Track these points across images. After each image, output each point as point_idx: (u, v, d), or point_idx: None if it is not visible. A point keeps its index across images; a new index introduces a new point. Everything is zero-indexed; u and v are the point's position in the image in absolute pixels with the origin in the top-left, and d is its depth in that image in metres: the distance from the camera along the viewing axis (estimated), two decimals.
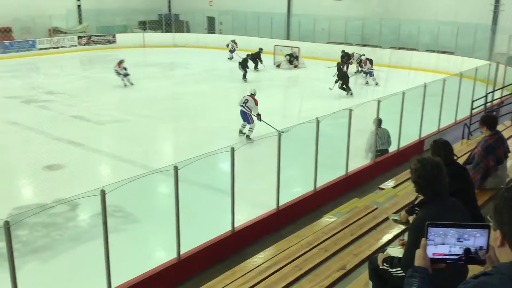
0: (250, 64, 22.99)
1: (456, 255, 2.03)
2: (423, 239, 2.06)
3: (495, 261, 1.99)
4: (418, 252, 2.09)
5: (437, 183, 3.25)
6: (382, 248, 4.72)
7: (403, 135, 10.82)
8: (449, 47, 24.80)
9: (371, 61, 21.52)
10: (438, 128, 12.06)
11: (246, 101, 13.10)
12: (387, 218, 6.18)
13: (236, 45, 27.34)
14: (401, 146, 10.86)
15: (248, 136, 12.99)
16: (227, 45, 27.69)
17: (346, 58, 23.10)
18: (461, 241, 2.01)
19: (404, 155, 10.61)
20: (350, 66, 22.64)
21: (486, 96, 12.98)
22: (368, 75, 21.15)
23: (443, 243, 2.04)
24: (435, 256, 2.06)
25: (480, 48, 23.37)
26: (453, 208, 3.31)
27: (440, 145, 4.73)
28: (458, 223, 2.06)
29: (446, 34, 24.82)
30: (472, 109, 12.19)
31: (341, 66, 19.91)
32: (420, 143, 11.41)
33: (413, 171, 3.37)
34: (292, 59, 25.45)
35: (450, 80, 12.50)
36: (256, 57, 24.27)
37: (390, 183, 8.43)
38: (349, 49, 24.82)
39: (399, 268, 3.47)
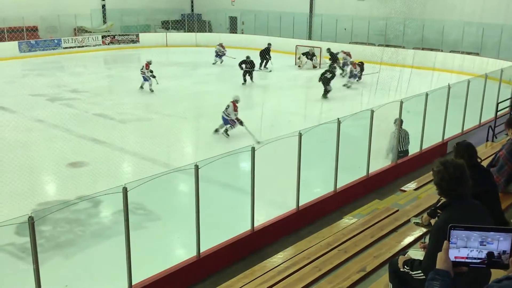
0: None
1: (479, 258, 2.01)
2: (446, 242, 2.04)
3: None
4: (440, 255, 2.07)
5: (460, 185, 3.20)
6: (403, 251, 4.67)
7: (426, 137, 10.69)
8: (474, 48, 24.39)
9: (361, 65, 21.10)
10: (462, 130, 11.88)
11: (227, 107, 13.75)
12: (408, 221, 6.11)
13: (224, 49, 26.14)
14: (423, 148, 10.73)
15: (226, 131, 13.82)
16: (216, 53, 26.14)
17: (331, 58, 23.22)
18: (484, 245, 1.99)
19: (427, 157, 10.47)
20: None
21: (511, 98, 12.73)
22: (353, 78, 20.70)
23: (466, 247, 2.01)
24: (457, 260, 2.04)
25: (506, 49, 22.91)
26: (476, 211, 3.26)
27: (463, 148, 4.65)
28: (481, 226, 2.03)
29: (471, 35, 24.42)
30: (497, 111, 11.96)
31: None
32: (443, 145, 11.25)
33: (435, 173, 3.32)
34: (309, 56, 25.30)
35: (475, 82, 12.30)
36: (265, 53, 24.33)
37: (412, 185, 8.34)
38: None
39: (420, 271, 3.43)
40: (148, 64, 19.33)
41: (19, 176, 10.17)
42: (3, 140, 12.77)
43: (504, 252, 1.98)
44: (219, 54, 25.98)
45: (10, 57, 26.03)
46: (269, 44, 24.76)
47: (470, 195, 3.28)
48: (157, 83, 19.46)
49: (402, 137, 10.24)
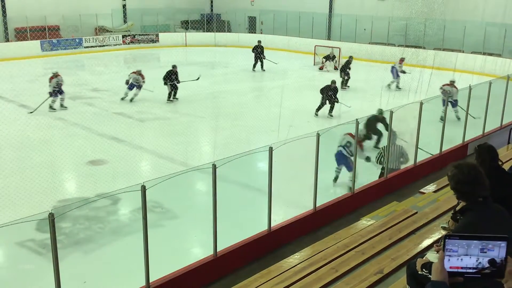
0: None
1: (475, 268, 1.97)
2: (441, 252, 2.01)
3: None
4: (436, 266, 2.02)
5: (477, 186, 3.14)
6: (421, 253, 4.62)
7: (446, 139, 10.56)
8: (496, 49, 24.01)
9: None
10: (483, 132, 11.71)
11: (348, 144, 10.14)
12: (427, 223, 6.06)
13: (143, 78, 18.07)
14: (443, 150, 10.60)
15: None
16: (126, 81, 17.88)
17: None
18: (485, 252, 1.95)
19: (447, 159, 10.35)
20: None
21: None
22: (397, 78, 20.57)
23: (467, 254, 1.98)
24: (451, 270, 2.00)
25: None
26: (497, 215, 3.19)
27: (484, 150, 4.59)
28: (475, 235, 2.00)
29: (493, 36, 24.04)
30: None
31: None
32: (463, 147, 11.10)
33: (450, 177, 3.26)
34: (330, 59, 25.13)
35: (497, 83, 12.11)
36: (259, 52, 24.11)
37: (431, 188, 8.25)
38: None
39: None
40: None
41: (40, 173, 10.34)
42: (25, 138, 12.99)
43: (502, 259, 1.95)
44: (134, 84, 17.80)
45: (32, 56, 26.47)
46: (259, 41, 24.63)
47: (490, 197, 3.22)
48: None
49: (391, 153, 9.29)
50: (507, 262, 1.94)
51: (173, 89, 17.93)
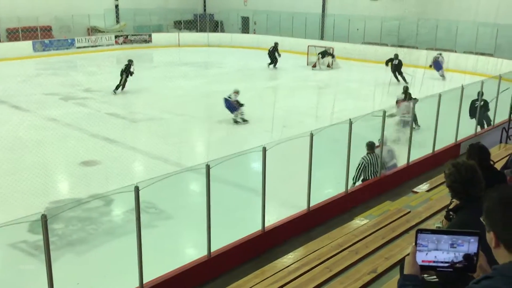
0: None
1: (449, 262, 1.99)
2: (412, 245, 2.03)
3: (486, 270, 1.95)
4: (408, 259, 2.05)
5: (473, 187, 3.17)
6: None
7: (439, 138, 10.61)
8: (488, 49, 24.15)
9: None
10: (475, 131, 11.78)
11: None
12: (420, 222, 6.09)
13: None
14: (436, 149, 10.65)
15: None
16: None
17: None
18: (455, 247, 1.97)
19: (439, 159, 10.40)
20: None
21: None
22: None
23: (437, 249, 2.00)
24: (424, 263, 2.02)
25: None
26: None
27: (476, 149, 4.62)
28: (448, 230, 2.03)
29: (485, 36, 24.18)
30: (511, 112, 11.84)
31: None
32: (456, 146, 11.16)
33: (447, 175, 3.29)
34: (325, 55, 25.16)
35: (489, 83, 12.19)
36: (274, 53, 24.85)
37: (424, 187, 8.30)
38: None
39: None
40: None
41: (33, 174, 10.28)
42: (17, 139, 12.91)
43: (475, 254, 1.97)
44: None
45: (24, 57, 26.32)
46: (276, 43, 25.01)
47: (483, 197, 3.24)
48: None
49: (371, 163, 9.09)
50: (479, 256, 1.97)
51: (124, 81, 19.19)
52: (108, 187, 8.63)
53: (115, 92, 18.74)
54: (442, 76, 22.22)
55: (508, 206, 1.80)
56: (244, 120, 14.86)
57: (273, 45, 25.08)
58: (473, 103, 12.46)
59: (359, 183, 9.20)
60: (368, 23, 28.33)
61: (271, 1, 33.46)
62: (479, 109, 11.74)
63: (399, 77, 20.99)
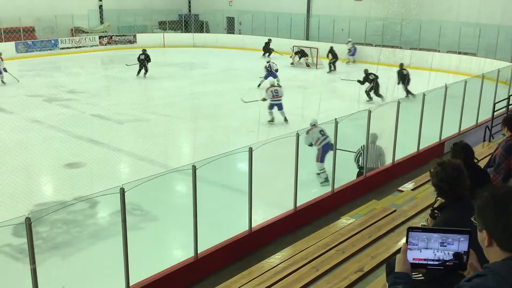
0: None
1: (440, 260, 2.01)
2: (404, 243, 2.05)
3: (477, 268, 1.97)
4: (399, 257, 2.06)
5: (459, 186, 3.21)
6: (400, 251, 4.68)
7: (423, 137, 10.71)
8: (471, 49, 24.46)
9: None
10: (459, 130, 11.91)
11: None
12: (406, 221, 6.14)
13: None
14: (421, 148, 10.75)
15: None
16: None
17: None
18: (445, 246, 1.99)
19: (424, 157, 10.50)
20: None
21: (508, 98, 12.76)
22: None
23: (427, 248, 2.01)
24: (415, 261, 2.03)
25: (503, 50, 22.99)
26: (474, 212, 3.25)
27: (460, 148, 4.67)
28: (439, 228, 2.05)
29: (468, 36, 24.49)
30: (493, 111, 12.01)
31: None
32: (440, 145, 11.28)
33: (433, 174, 3.32)
34: (299, 55, 25.62)
35: (472, 82, 12.33)
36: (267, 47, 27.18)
37: (409, 185, 8.37)
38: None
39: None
40: None
41: (16, 177, 10.14)
42: (0, 141, 12.74)
43: (465, 252, 1.99)
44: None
45: (7, 58, 25.86)
46: (269, 39, 27.76)
47: (469, 195, 3.28)
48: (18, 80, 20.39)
49: (369, 153, 9.46)
50: (470, 255, 1.99)
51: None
52: (93, 189, 8.54)
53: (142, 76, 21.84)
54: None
55: (501, 205, 1.80)
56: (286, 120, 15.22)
57: (266, 40, 27.96)
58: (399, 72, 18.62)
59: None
60: (353, 24, 28.52)
61: (256, 1, 33.50)
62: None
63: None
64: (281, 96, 15.04)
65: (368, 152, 9.39)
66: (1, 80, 20.40)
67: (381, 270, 4.57)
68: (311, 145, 10.46)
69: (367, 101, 17.75)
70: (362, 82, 18.23)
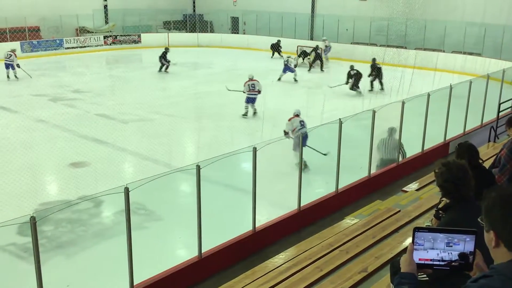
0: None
1: (446, 260, 2.00)
2: (410, 244, 2.04)
3: (483, 268, 1.96)
4: (405, 258, 2.06)
5: (464, 186, 3.19)
6: (404, 251, 4.67)
7: (428, 137, 10.68)
8: (476, 49, 24.37)
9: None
10: (463, 130, 11.86)
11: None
12: (410, 221, 6.12)
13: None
14: (425, 148, 10.72)
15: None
16: (9, 56, 21.06)
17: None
18: (451, 246, 1.98)
19: (429, 158, 10.48)
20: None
21: None
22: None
23: (433, 248, 2.01)
24: (421, 262, 2.03)
25: (508, 50, 22.88)
26: (479, 213, 3.24)
27: (465, 149, 4.65)
28: (445, 228, 2.04)
29: (473, 35, 24.40)
30: (498, 111, 11.96)
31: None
32: (445, 145, 11.24)
33: (438, 175, 3.30)
34: (303, 56, 25.81)
35: (477, 82, 12.29)
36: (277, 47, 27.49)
37: (413, 186, 8.35)
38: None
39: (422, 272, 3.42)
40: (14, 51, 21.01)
41: (21, 176, 10.18)
42: (5, 141, 12.79)
43: (471, 253, 1.98)
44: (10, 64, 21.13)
45: None
46: (279, 40, 28.30)
47: (473, 196, 3.27)
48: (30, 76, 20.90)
49: (385, 146, 9.81)
50: (476, 255, 1.98)
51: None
52: (98, 189, 8.58)
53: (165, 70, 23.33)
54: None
55: (508, 205, 1.79)
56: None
57: (275, 41, 28.60)
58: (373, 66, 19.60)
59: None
60: (357, 23, 28.46)
61: (260, 1, 33.49)
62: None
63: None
64: (257, 91, 15.50)
65: (387, 144, 9.74)
66: (15, 75, 21.03)
67: (385, 271, 4.56)
68: (286, 134, 11.12)
69: (358, 92, 19.23)
70: (347, 82, 19.21)
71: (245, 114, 15.45)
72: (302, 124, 11.09)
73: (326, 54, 26.68)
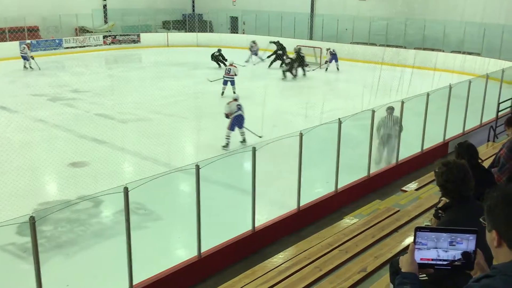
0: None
1: (448, 260, 2.00)
2: (411, 243, 2.04)
3: (484, 267, 1.96)
4: (406, 257, 2.05)
5: (464, 186, 3.19)
6: (404, 251, 4.67)
7: (427, 137, 10.68)
8: (476, 48, 24.38)
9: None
10: (463, 130, 11.87)
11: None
12: (409, 221, 6.12)
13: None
14: (424, 148, 10.72)
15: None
16: (23, 49, 24.29)
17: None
18: (454, 245, 1.98)
19: (428, 157, 10.49)
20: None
21: None
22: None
23: (436, 247, 2.00)
24: (422, 261, 2.03)
25: (507, 50, 22.90)
26: (479, 212, 3.24)
27: (464, 148, 4.65)
28: (447, 228, 2.04)
29: (472, 35, 24.41)
30: (498, 111, 11.97)
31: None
32: (444, 145, 11.25)
33: (439, 174, 3.30)
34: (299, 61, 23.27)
35: (476, 82, 12.30)
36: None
37: (413, 185, 8.35)
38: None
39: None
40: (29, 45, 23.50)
41: (20, 176, 10.18)
42: (4, 140, 12.77)
43: (473, 251, 1.98)
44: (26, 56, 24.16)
45: (11, 57, 26.02)
46: (219, 50, 25.79)
47: (473, 196, 3.27)
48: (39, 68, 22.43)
49: (385, 123, 10.37)
50: (477, 254, 1.98)
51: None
52: (97, 188, 8.56)
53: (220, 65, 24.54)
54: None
55: (511, 205, 1.80)
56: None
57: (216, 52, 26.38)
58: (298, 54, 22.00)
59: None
60: (357, 23, 28.46)
61: (259, 1, 33.49)
62: None
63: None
64: (233, 75, 18.43)
65: (387, 122, 10.21)
66: (30, 66, 23.65)
67: (385, 270, 4.57)
68: (227, 116, 12.67)
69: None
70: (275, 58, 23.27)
71: (222, 93, 18.30)
72: (239, 107, 12.66)
73: (330, 63, 25.03)
